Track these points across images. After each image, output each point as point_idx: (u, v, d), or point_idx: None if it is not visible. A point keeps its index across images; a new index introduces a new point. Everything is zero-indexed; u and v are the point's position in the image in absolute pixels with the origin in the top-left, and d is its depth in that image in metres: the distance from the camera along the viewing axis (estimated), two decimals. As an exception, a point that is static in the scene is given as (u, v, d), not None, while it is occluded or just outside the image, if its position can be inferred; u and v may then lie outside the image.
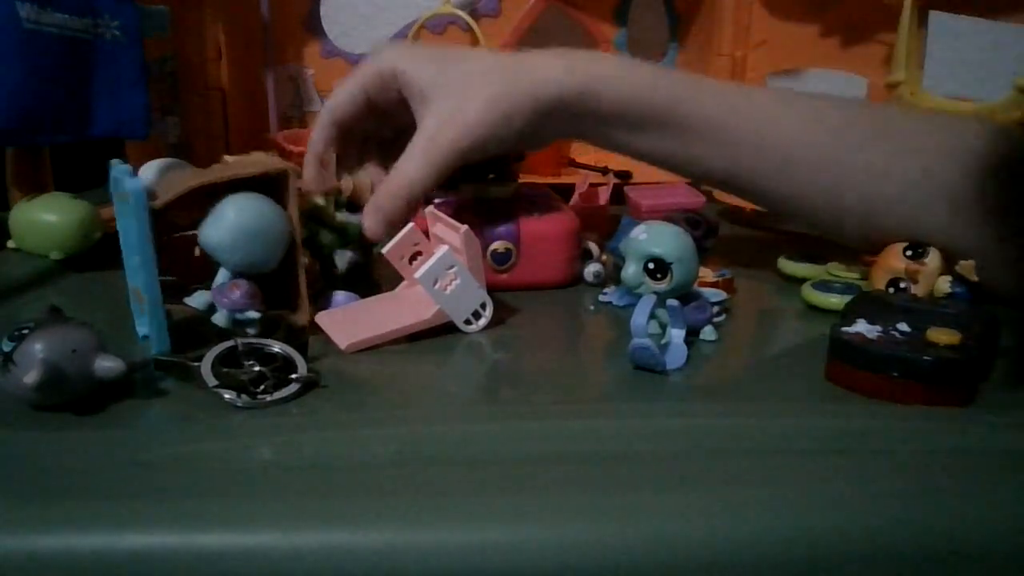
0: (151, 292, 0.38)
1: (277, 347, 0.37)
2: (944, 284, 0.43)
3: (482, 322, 0.43)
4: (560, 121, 0.46)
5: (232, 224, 0.38)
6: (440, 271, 0.42)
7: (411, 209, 0.45)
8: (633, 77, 0.46)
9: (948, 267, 0.44)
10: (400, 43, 0.49)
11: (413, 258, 0.45)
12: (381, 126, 0.51)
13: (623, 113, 0.46)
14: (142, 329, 0.41)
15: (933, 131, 0.47)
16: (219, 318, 0.39)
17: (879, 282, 0.45)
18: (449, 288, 0.42)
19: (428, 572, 0.26)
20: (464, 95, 0.45)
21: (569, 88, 0.45)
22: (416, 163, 0.45)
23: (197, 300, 0.40)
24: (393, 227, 0.45)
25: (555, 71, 0.45)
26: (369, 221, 0.45)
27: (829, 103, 0.48)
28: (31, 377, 0.31)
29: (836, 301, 0.46)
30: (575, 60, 0.46)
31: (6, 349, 0.33)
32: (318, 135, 0.49)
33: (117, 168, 0.38)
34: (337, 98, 0.48)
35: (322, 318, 0.43)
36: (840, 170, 0.46)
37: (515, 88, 0.45)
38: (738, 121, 0.46)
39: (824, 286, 0.47)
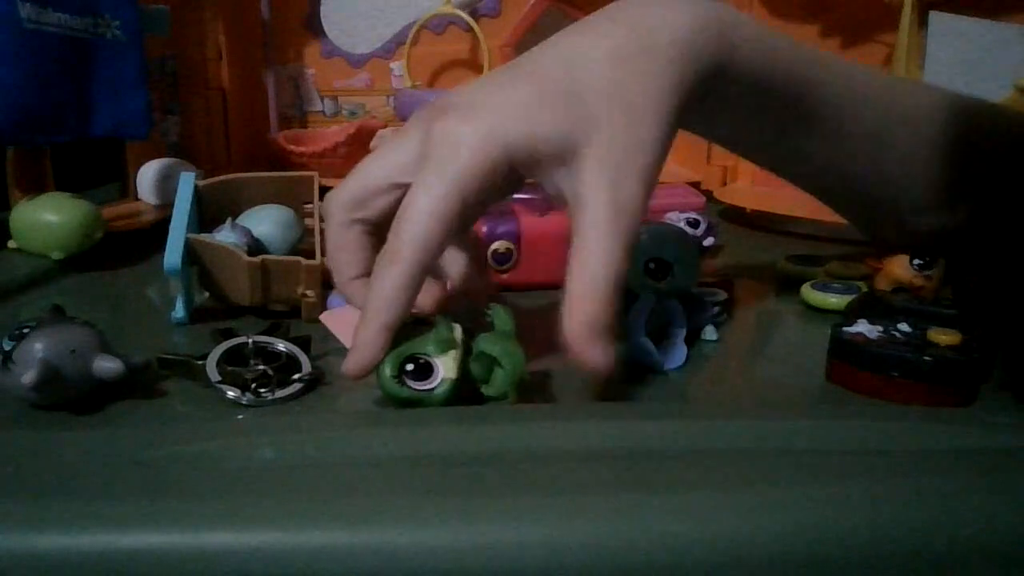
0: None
1: (282, 345, 0.37)
2: (946, 294, 0.44)
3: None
4: (701, 96, 0.35)
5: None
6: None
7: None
8: (769, 47, 0.36)
9: (950, 277, 0.44)
10: (463, 107, 0.33)
11: None
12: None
13: (755, 90, 0.37)
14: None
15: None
16: None
17: (882, 289, 0.45)
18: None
19: (428, 572, 0.26)
20: (619, 118, 0.32)
21: (717, 57, 0.35)
22: (606, 243, 0.32)
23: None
24: (604, 334, 0.32)
25: (702, 41, 0.34)
26: (594, 352, 0.32)
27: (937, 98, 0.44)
28: (29, 377, 0.31)
29: (836, 301, 0.46)
30: (709, 18, 0.34)
31: (6, 348, 0.33)
32: (394, 296, 0.32)
33: None
34: (422, 232, 0.32)
35: (327, 317, 0.42)
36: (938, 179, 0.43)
37: (675, 76, 0.33)
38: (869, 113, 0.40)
39: (824, 286, 0.47)
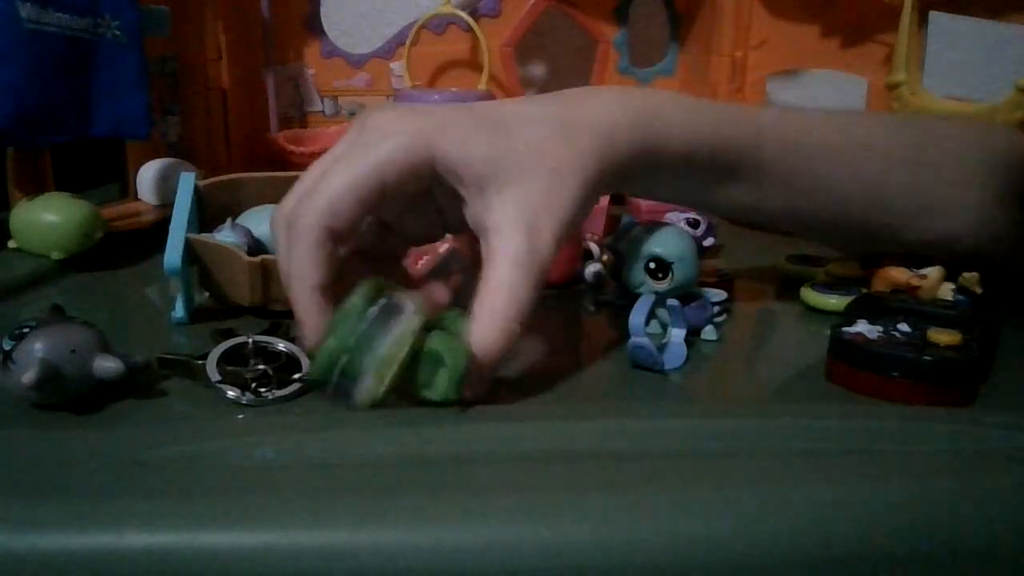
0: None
1: (282, 345, 0.37)
2: (947, 293, 0.43)
3: None
4: (629, 173, 0.39)
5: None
6: (445, 269, 0.42)
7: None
8: (693, 121, 0.40)
9: (952, 276, 0.44)
10: (402, 109, 0.35)
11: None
12: (384, 236, 0.38)
13: (686, 162, 0.40)
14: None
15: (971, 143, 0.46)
16: None
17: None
18: (454, 286, 0.42)
19: (429, 572, 0.26)
20: (547, 172, 0.35)
21: (641, 139, 0.38)
22: (519, 277, 0.34)
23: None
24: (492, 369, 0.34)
25: (622, 126, 0.38)
26: (484, 377, 0.34)
27: (877, 128, 0.46)
28: (28, 376, 0.31)
29: (835, 302, 0.46)
30: (634, 106, 0.39)
31: (6, 347, 0.33)
32: (306, 257, 0.33)
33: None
34: (332, 199, 0.33)
35: None
36: (897, 203, 0.44)
37: (600, 152, 0.37)
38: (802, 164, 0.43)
39: (823, 287, 0.47)
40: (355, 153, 0.34)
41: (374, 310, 0.32)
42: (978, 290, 0.42)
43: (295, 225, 0.34)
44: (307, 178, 0.35)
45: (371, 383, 0.32)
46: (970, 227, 0.45)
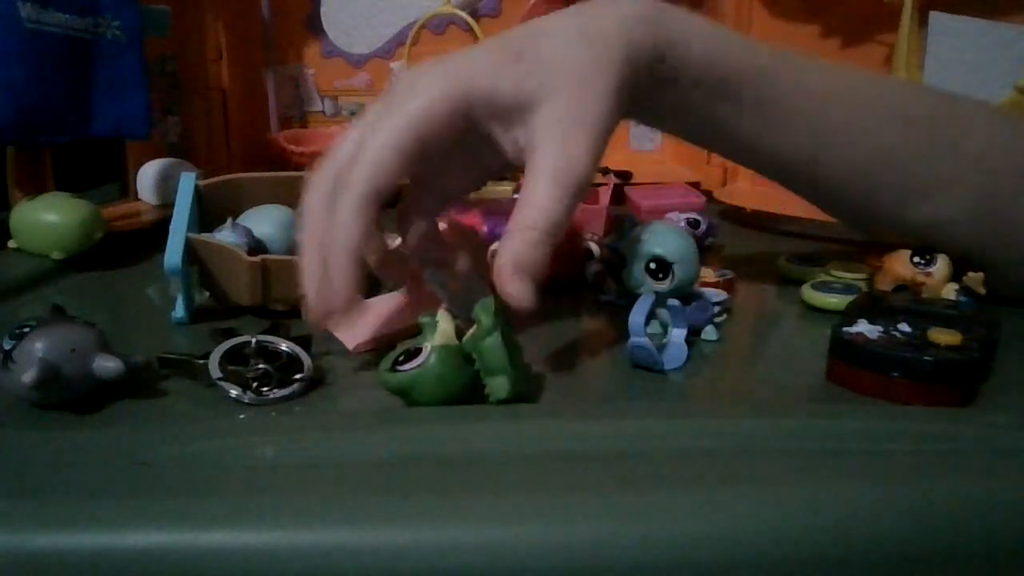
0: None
1: (284, 345, 0.37)
2: (950, 293, 0.43)
3: None
4: (647, 87, 0.39)
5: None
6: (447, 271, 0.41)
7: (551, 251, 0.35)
8: (712, 37, 0.40)
9: (956, 276, 0.44)
10: (426, 64, 0.36)
11: None
12: (420, 196, 0.39)
13: (701, 78, 0.40)
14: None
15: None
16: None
17: (883, 288, 0.45)
18: (456, 288, 0.42)
19: (429, 572, 0.26)
20: (573, 83, 0.35)
21: (660, 49, 0.38)
22: (550, 189, 0.34)
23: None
24: (528, 273, 0.34)
25: (639, 31, 0.37)
26: (513, 287, 0.34)
27: (913, 94, 0.45)
28: (28, 376, 0.31)
29: (835, 301, 0.46)
30: (650, 18, 0.38)
31: (7, 347, 0.33)
32: (353, 221, 0.34)
33: None
34: (376, 160, 0.34)
35: None
36: (907, 176, 0.44)
37: (621, 59, 0.36)
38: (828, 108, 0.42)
39: (823, 286, 0.47)
40: (392, 112, 0.34)
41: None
42: (982, 291, 0.42)
43: (345, 189, 0.34)
44: (346, 145, 0.36)
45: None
46: (968, 213, 0.44)
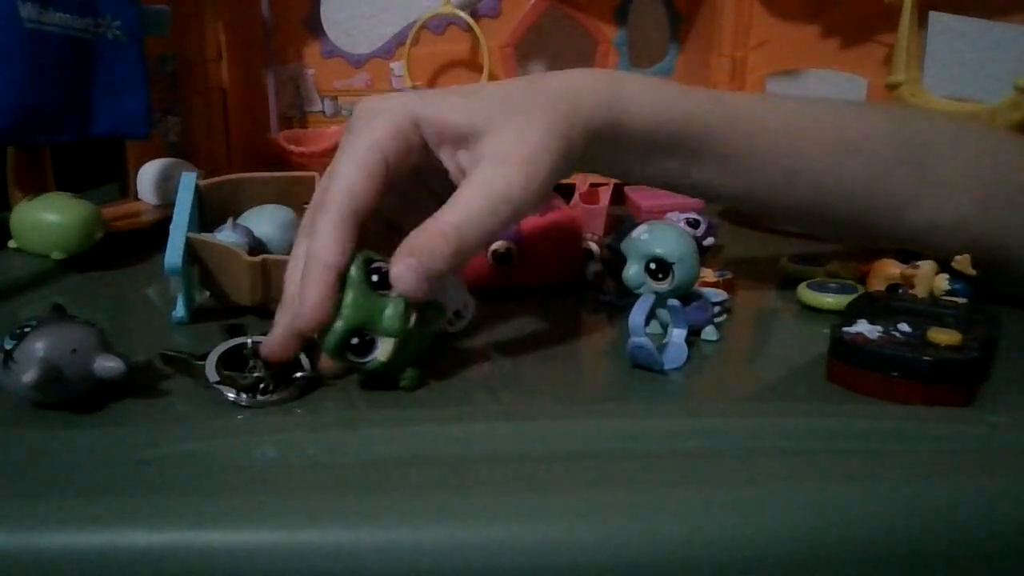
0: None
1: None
2: (943, 282, 0.44)
3: (462, 323, 0.43)
4: (597, 146, 0.40)
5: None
6: None
7: (457, 263, 0.36)
8: (657, 99, 0.42)
9: (943, 265, 0.44)
10: (388, 95, 0.39)
11: None
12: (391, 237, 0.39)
13: (649, 139, 0.42)
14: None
15: (966, 144, 0.46)
16: None
17: (876, 288, 0.45)
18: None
19: (429, 572, 0.26)
20: (521, 118, 0.38)
21: (606, 109, 0.40)
22: (475, 201, 0.36)
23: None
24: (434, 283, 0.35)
25: (589, 93, 0.40)
26: (399, 268, 0.35)
27: (859, 122, 0.46)
28: (29, 376, 0.31)
29: (832, 301, 0.46)
30: (599, 80, 0.41)
31: (7, 347, 0.33)
32: (330, 239, 0.35)
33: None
34: (348, 181, 0.36)
35: None
36: (869, 199, 0.45)
37: (565, 109, 0.39)
38: (765, 147, 0.44)
39: (820, 286, 0.47)
40: (353, 138, 0.37)
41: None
42: (972, 272, 0.42)
43: (320, 211, 0.36)
44: (323, 180, 0.39)
45: (385, 347, 0.35)
46: (953, 238, 0.45)
